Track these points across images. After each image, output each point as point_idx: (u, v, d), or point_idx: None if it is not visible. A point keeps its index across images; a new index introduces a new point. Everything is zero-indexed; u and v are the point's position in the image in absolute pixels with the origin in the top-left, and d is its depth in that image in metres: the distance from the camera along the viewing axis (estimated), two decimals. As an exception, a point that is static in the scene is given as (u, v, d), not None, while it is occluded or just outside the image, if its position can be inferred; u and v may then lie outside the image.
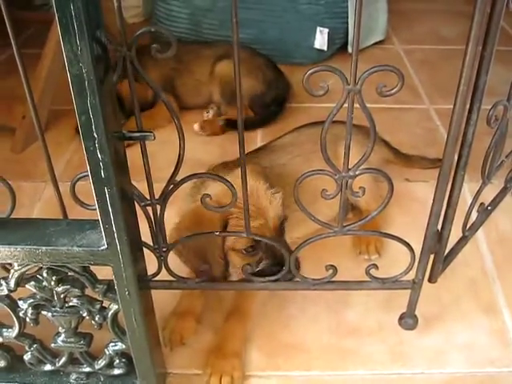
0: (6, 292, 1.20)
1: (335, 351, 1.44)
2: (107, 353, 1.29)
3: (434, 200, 1.23)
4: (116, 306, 1.21)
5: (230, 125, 2.26)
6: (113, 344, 1.29)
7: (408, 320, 1.44)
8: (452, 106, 1.09)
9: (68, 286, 1.19)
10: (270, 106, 2.38)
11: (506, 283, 1.60)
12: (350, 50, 2.96)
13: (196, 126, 2.26)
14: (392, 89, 1.01)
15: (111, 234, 1.08)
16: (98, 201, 1.04)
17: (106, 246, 1.09)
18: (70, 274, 1.17)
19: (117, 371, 1.33)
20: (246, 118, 2.16)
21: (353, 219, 1.72)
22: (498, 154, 1.44)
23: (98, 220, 1.12)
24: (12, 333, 1.27)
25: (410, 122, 2.34)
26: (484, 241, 1.72)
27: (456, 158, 1.18)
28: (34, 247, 1.11)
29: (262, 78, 2.33)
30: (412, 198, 1.88)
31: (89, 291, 1.21)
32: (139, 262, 1.20)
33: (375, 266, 1.30)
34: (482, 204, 1.47)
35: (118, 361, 1.32)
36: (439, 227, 1.29)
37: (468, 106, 1.13)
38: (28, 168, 2.10)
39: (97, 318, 1.23)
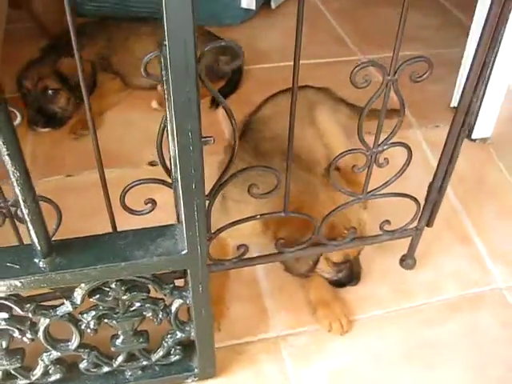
0: (70, 309, 1.24)
1: (351, 299, 1.67)
2: (165, 344, 1.38)
3: (440, 159, 1.47)
4: (181, 301, 1.30)
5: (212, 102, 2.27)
6: (170, 335, 1.38)
7: (409, 261, 1.70)
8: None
9: (135, 293, 1.25)
10: (228, 73, 2.39)
11: (473, 216, 1.91)
12: (273, 5, 3.05)
13: (154, 103, 2.26)
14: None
15: (194, 238, 1.16)
16: (185, 208, 1.11)
17: (187, 250, 1.18)
18: (139, 281, 1.24)
19: (173, 358, 1.43)
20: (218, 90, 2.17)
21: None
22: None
23: (165, 226, 1.21)
24: (71, 346, 1.31)
25: (347, 74, 2.49)
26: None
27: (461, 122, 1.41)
28: (113, 264, 1.15)
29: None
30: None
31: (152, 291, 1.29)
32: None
33: (388, 222, 1.53)
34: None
35: (173, 349, 1.42)
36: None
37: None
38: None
39: (160, 316, 1.31)
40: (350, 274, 1.65)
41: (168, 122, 1.09)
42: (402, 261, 1.72)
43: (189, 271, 1.22)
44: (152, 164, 1.93)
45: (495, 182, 2.04)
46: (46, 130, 2.17)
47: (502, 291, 1.72)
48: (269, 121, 1.87)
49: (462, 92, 1.35)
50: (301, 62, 1.09)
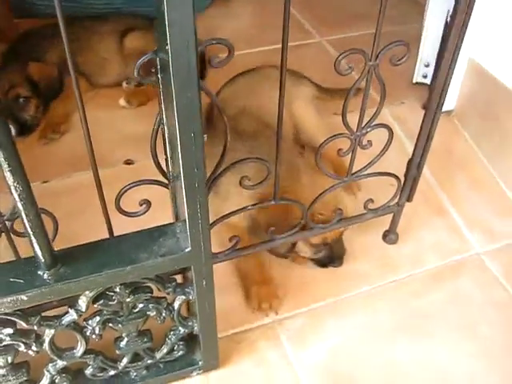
0: (75, 318, 1.24)
1: (338, 277, 1.73)
2: (169, 341, 1.40)
3: (419, 135, 1.53)
4: (183, 297, 1.32)
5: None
6: (173, 332, 1.40)
7: (391, 236, 1.77)
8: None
9: (139, 294, 1.27)
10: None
11: (446, 188, 1.99)
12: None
13: (122, 101, 2.23)
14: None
15: (197, 235, 1.18)
16: (188, 207, 1.12)
17: (191, 248, 1.20)
18: (142, 282, 1.26)
19: (177, 354, 1.45)
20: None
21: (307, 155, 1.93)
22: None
23: (165, 226, 1.23)
24: (77, 353, 1.31)
25: (310, 57, 2.55)
26: (410, 144, 1.96)
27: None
28: (118, 269, 1.16)
29: None
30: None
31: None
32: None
33: (371, 201, 1.59)
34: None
35: (177, 346, 1.44)
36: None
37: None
38: None
39: (164, 314, 1.33)
40: (330, 255, 1.70)
41: (165, 123, 1.10)
42: (385, 236, 1.79)
43: (192, 267, 1.24)
44: (128, 162, 1.92)
45: (463, 153, 2.13)
46: (18, 138, 2.12)
47: (480, 256, 1.81)
48: (230, 101, 1.91)
49: (437, 70, 1.41)
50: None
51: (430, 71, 2.23)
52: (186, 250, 1.20)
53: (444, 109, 2.17)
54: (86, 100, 2.26)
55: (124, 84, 2.35)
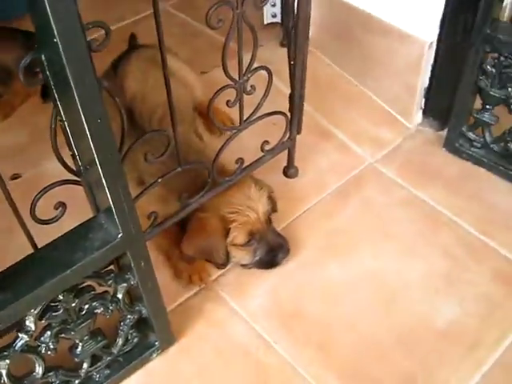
0: (27, 339, 1.22)
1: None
2: (122, 332, 1.42)
3: (294, 70, 1.62)
4: (125, 285, 1.34)
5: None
6: (123, 322, 1.42)
7: (292, 170, 1.88)
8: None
9: (83, 296, 1.27)
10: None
11: (324, 113, 2.13)
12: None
13: None
14: None
15: (125, 219, 1.20)
16: (111, 194, 1.13)
17: (122, 233, 1.22)
18: (82, 283, 1.26)
19: (132, 343, 1.48)
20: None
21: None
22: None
23: (88, 221, 1.24)
24: (37, 375, 1.29)
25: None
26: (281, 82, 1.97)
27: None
28: (60, 276, 1.15)
29: (21, 44, 2.18)
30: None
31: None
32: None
33: (267, 142, 1.68)
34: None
35: (130, 334, 1.47)
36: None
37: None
38: None
39: (111, 308, 1.35)
40: (270, 249, 1.65)
41: (67, 122, 1.09)
42: (286, 172, 1.90)
43: (128, 252, 1.27)
44: (15, 177, 1.86)
45: (330, 78, 2.27)
46: None
47: (373, 165, 1.98)
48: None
49: (298, 7, 1.50)
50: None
51: (278, 10, 2.33)
52: (119, 236, 1.22)
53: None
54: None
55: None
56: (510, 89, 1.78)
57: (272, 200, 1.71)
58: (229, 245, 1.63)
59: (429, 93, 2.03)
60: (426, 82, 2.00)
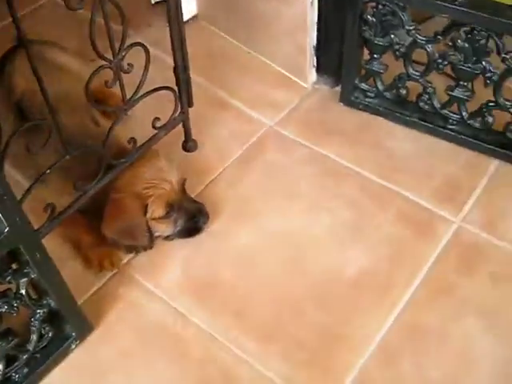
0: None
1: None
2: (34, 328, 1.41)
3: (173, 41, 1.63)
4: (25, 279, 1.33)
5: None
6: (33, 317, 1.41)
7: (190, 144, 1.90)
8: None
9: (-18, 301, 1.27)
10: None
11: (222, 84, 2.14)
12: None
13: None
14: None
15: (9, 213, 1.19)
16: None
17: (8, 227, 1.21)
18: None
19: (47, 337, 1.47)
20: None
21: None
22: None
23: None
24: None
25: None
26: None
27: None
28: None
29: None
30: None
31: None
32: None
33: (158, 119, 1.68)
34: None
35: (43, 329, 1.46)
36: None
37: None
38: None
39: (15, 304, 1.34)
40: (190, 216, 1.67)
41: None
42: (185, 146, 1.91)
43: (21, 246, 1.26)
44: None
45: (221, 47, 2.29)
46: None
47: (273, 128, 2.02)
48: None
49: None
50: None
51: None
52: (5, 231, 1.21)
53: (190, 15, 2.32)
54: None
55: None
56: (392, 36, 1.84)
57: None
58: (149, 220, 1.64)
59: (319, 50, 2.06)
60: (315, 40, 2.04)
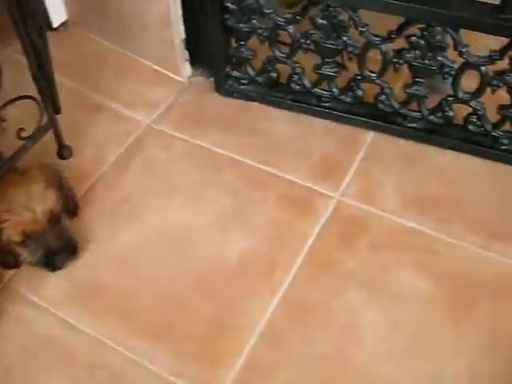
0: None
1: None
2: None
3: (26, 49, 1.61)
4: None
5: None
6: None
7: (65, 151, 1.87)
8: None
9: None
10: None
11: (99, 88, 2.12)
12: None
13: None
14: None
15: None
16: None
17: None
18: None
19: None
20: None
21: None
22: None
23: None
24: None
25: None
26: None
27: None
28: None
29: None
30: None
31: None
32: None
33: (23, 129, 1.65)
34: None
35: None
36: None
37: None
38: None
39: None
40: (48, 252, 1.59)
41: None
42: (60, 154, 1.88)
43: None
44: None
45: (96, 52, 2.27)
46: None
47: (151, 126, 2.02)
48: None
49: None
50: None
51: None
52: None
53: (59, 22, 2.30)
54: None
55: None
56: (254, 20, 1.87)
57: (68, 196, 1.68)
58: (10, 243, 1.59)
59: (188, 44, 2.07)
60: (183, 34, 2.05)
